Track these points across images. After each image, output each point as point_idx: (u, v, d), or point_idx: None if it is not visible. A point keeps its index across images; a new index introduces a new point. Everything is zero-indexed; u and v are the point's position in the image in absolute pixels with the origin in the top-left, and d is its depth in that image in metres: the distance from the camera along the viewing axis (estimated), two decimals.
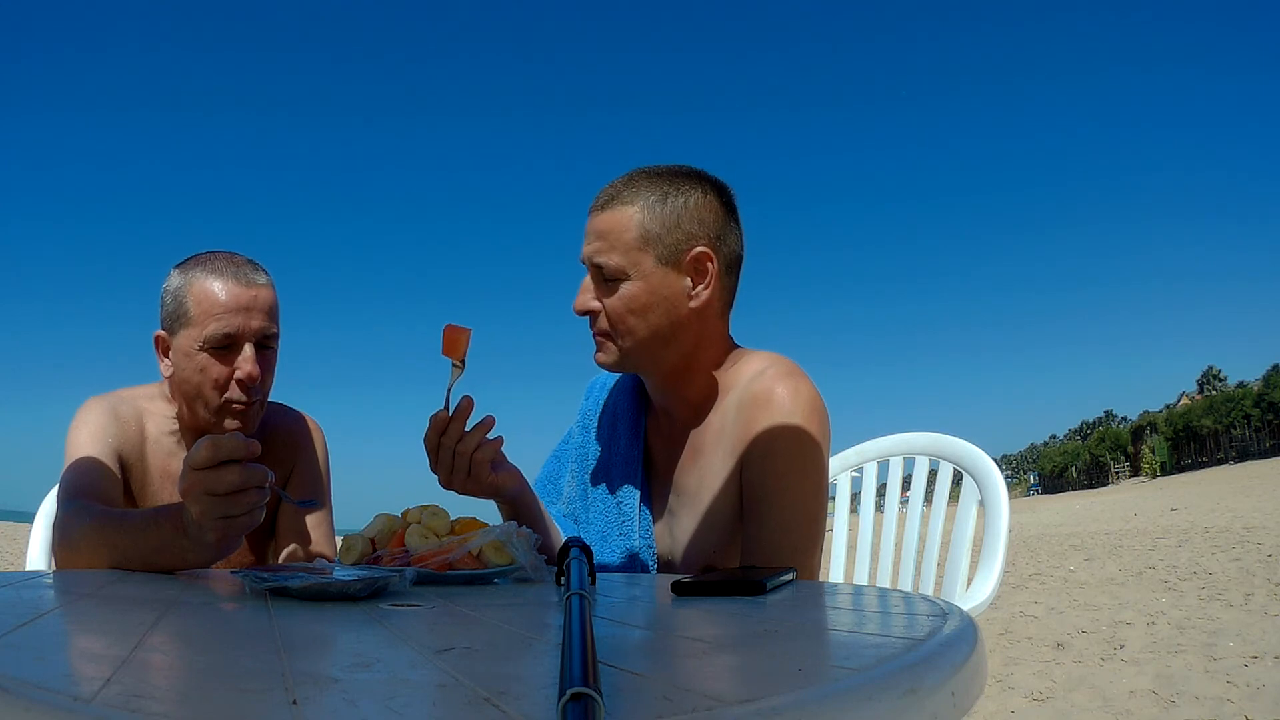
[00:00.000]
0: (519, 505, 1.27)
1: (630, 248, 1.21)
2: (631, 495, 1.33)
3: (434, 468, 1.20)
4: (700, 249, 1.23)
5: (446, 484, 1.20)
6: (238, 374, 1.34)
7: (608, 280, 1.23)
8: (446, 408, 1.17)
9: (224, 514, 0.95)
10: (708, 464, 1.26)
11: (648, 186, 1.24)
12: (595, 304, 1.25)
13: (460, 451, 1.17)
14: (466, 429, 1.18)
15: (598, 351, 1.28)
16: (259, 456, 0.94)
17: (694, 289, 1.23)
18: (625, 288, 1.22)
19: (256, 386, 1.36)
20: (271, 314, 1.38)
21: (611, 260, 1.22)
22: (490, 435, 1.20)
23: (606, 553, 1.32)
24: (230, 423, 1.36)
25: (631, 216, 1.22)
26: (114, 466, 1.34)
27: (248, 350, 1.34)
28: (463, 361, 1.16)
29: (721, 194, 1.28)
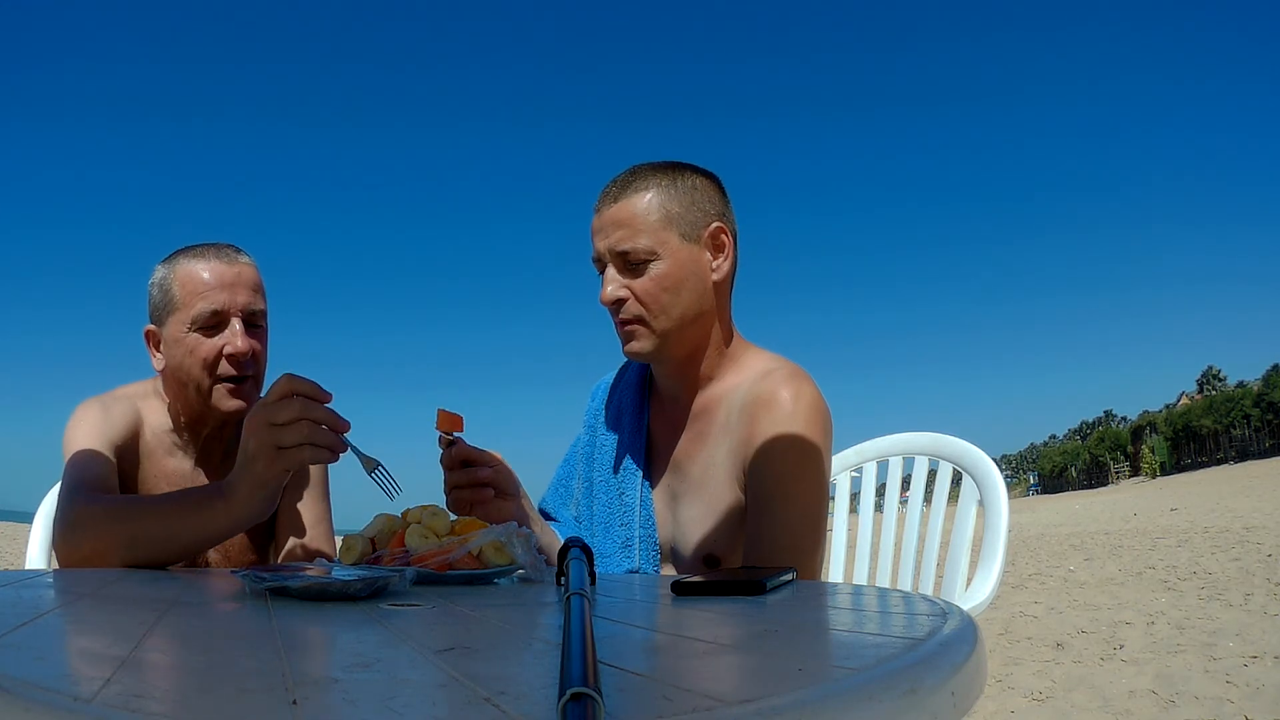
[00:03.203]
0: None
1: (655, 228, 1.25)
2: (634, 483, 1.34)
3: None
4: (716, 224, 1.28)
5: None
6: (227, 349, 1.33)
7: (634, 265, 1.25)
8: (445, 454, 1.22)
9: (277, 442, 0.99)
10: (711, 453, 1.27)
11: (654, 175, 1.28)
12: (625, 291, 1.26)
13: (449, 487, 1.22)
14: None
15: (631, 341, 1.28)
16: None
17: (715, 262, 1.28)
18: (655, 267, 1.25)
19: (249, 362, 1.36)
20: (257, 290, 1.38)
21: (640, 243, 1.24)
22: (493, 457, 1.24)
23: (609, 542, 1.33)
24: (229, 402, 1.35)
25: (650, 200, 1.25)
26: (112, 466, 1.33)
27: (235, 325, 1.34)
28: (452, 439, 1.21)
29: (716, 179, 1.33)
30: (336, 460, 1.05)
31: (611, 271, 1.27)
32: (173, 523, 1.06)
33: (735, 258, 1.32)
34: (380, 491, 1.12)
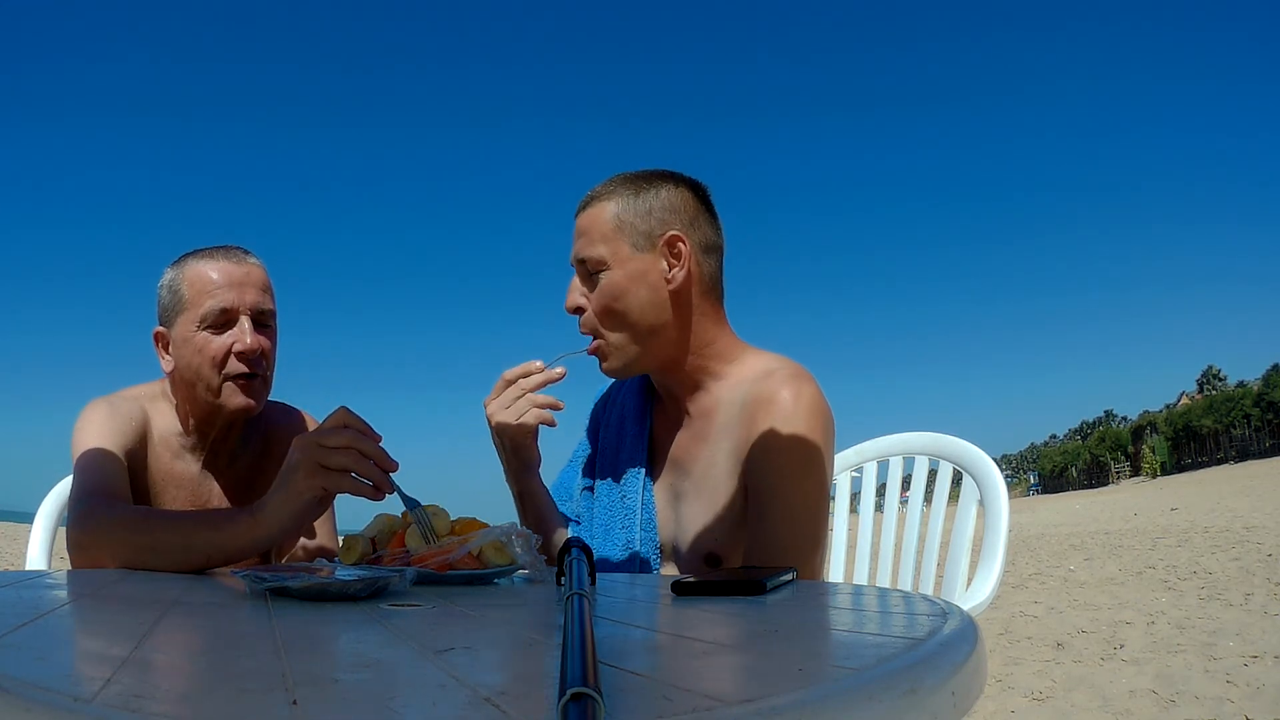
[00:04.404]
0: (534, 489, 1.36)
1: (608, 239, 1.27)
2: (636, 483, 1.35)
3: (490, 398, 1.31)
4: (673, 232, 1.28)
5: (493, 413, 1.30)
6: (236, 346, 1.33)
7: (592, 274, 1.28)
8: (549, 363, 1.30)
9: (322, 460, 1.00)
10: (712, 452, 1.28)
11: (623, 185, 1.30)
12: (583, 300, 1.30)
13: (530, 397, 1.29)
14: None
15: (601, 363, 1.32)
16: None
17: (670, 271, 1.28)
18: (605, 277, 1.27)
19: (258, 360, 1.36)
20: (266, 289, 1.39)
21: (592, 253, 1.28)
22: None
23: (610, 542, 1.33)
24: (238, 399, 1.35)
25: (607, 210, 1.28)
26: (123, 467, 1.32)
27: (244, 323, 1.35)
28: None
29: (695, 189, 1.33)
30: (381, 499, 1.05)
31: (575, 280, 1.32)
32: (193, 535, 1.06)
33: (706, 267, 1.30)
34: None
